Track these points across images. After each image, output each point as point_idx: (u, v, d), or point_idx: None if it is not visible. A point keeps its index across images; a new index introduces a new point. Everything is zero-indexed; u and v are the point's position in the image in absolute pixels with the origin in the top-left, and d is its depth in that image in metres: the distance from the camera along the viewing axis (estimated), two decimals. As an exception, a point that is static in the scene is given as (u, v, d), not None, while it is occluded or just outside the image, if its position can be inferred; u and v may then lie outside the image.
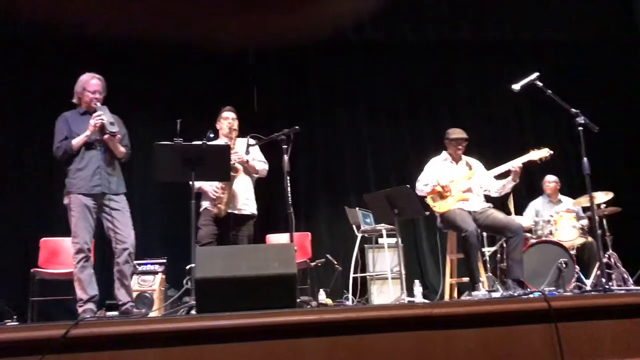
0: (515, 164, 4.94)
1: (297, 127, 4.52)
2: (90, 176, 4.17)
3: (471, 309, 2.73)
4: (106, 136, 4.21)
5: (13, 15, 6.48)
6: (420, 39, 7.50)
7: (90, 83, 4.30)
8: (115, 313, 4.10)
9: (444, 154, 5.27)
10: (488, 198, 5.21)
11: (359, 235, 6.30)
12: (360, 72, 7.68)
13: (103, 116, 4.16)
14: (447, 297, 5.24)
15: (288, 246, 3.64)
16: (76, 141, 4.18)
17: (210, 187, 4.62)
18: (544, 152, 4.94)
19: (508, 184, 5.05)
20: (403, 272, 5.09)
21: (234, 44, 7.22)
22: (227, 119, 4.81)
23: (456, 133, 5.20)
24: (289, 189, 4.41)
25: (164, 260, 5.67)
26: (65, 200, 4.21)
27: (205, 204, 4.69)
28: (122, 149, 4.33)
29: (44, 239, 5.72)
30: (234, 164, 4.55)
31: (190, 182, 4.02)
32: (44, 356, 2.21)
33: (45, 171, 6.54)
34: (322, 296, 5.78)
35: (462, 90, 7.85)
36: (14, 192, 6.71)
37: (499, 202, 5.50)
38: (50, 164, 6.06)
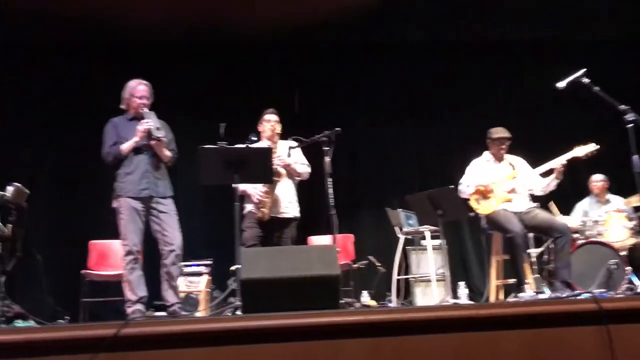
0: (560, 161, 4.83)
1: (338, 128, 4.53)
2: (139, 180, 4.27)
3: (518, 310, 2.69)
4: (153, 142, 4.31)
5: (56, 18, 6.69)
6: (466, 37, 7.44)
7: (138, 89, 4.41)
8: (163, 313, 4.19)
9: (486, 154, 5.19)
10: (534, 197, 5.11)
11: (402, 237, 6.26)
12: (402, 72, 7.63)
13: (150, 122, 4.26)
14: (492, 299, 5.16)
15: (331, 247, 3.67)
16: (125, 146, 4.29)
17: (254, 190, 4.67)
18: (590, 147, 4.82)
19: (552, 182, 4.94)
20: (447, 274, 5.04)
21: (275, 46, 7.30)
22: (270, 122, 4.84)
23: (499, 132, 5.11)
24: (330, 190, 4.43)
25: (210, 262, 5.75)
26: (114, 204, 4.32)
27: (249, 207, 4.74)
28: (168, 153, 4.42)
29: (93, 241, 5.88)
30: (276, 168, 4.59)
31: (234, 185, 4.07)
32: (97, 354, 2.28)
33: (93, 175, 6.72)
34: (365, 298, 5.78)
35: (509, 88, 7.72)
36: (64, 196, 6.91)
37: (545, 203, 5.40)
38: (99, 168, 6.23)
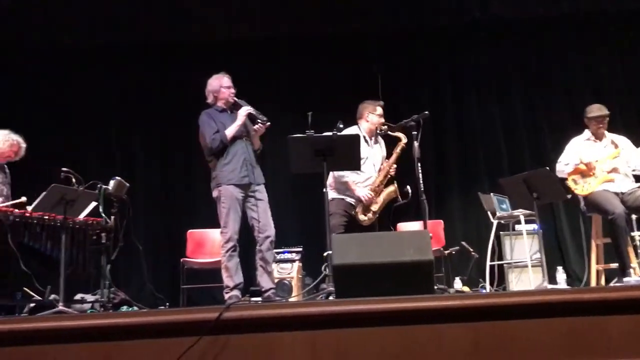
0: None
1: (426, 112, 4.46)
2: (239, 168, 4.41)
3: (626, 294, 2.55)
4: (257, 126, 4.44)
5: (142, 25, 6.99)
6: (550, 12, 7.09)
7: (224, 80, 4.59)
8: (259, 299, 4.30)
9: (586, 132, 4.96)
10: (637, 177, 4.84)
11: (495, 222, 6.10)
12: (489, 51, 7.39)
13: (250, 107, 4.42)
14: (593, 284, 4.95)
15: (423, 233, 3.63)
16: (229, 131, 4.43)
17: (362, 190, 4.64)
18: None
19: None
20: (544, 259, 4.86)
21: (357, 33, 7.27)
22: (382, 116, 4.81)
23: (595, 110, 4.88)
24: (420, 175, 4.37)
25: (300, 249, 5.85)
26: (215, 193, 4.47)
27: (334, 195, 4.71)
28: (259, 142, 4.60)
29: (190, 231, 6.12)
30: (394, 174, 4.66)
31: (337, 174, 4.16)
32: (201, 337, 2.37)
33: (188, 167, 6.99)
34: (457, 284, 5.68)
35: (601, 64, 7.30)
36: (162, 188, 7.22)
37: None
38: (193, 160, 6.46)
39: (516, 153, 7.17)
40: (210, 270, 5.73)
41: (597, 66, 7.29)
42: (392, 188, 4.71)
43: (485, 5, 7.07)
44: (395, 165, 4.72)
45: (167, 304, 5.26)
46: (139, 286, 6.42)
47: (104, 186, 4.58)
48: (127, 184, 4.80)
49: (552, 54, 7.35)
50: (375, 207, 4.68)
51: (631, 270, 4.43)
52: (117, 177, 4.70)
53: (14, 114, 6.84)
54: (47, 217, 4.49)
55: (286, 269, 5.62)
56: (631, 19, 7.11)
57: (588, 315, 2.51)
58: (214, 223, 4.69)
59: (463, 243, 6.01)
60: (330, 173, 4.52)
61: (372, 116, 4.79)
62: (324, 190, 4.13)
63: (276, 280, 5.35)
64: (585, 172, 4.74)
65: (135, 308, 4.73)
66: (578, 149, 4.89)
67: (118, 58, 7.32)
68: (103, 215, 4.68)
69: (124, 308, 4.83)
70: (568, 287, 5.34)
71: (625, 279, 4.25)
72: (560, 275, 5.47)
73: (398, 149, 4.71)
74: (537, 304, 2.53)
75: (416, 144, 4.37)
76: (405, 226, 6.18)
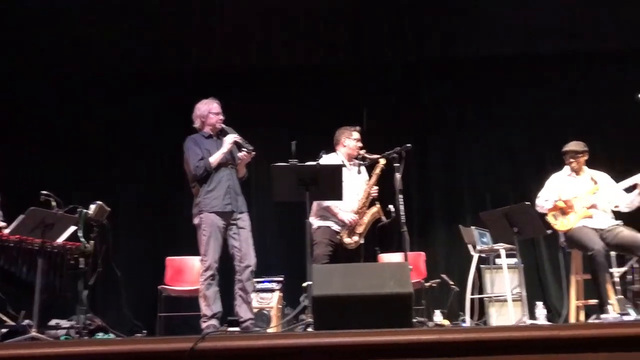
0: None
1: (408, 144, 4.49)
2: (223, 195, 4.39)
3: (602, 331, 2.57)
4: (242, 154, 4.45)
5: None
6: (533, 51, 7.23)
7: (214, 106, 4.58)
8: (237, 329, 4.24)
9: (566, 168, 5.02)
10: (618, 215, 4.88)
11: (475, 255, 6.11)
12: (473, 86, 7.49)
13: (236, 135, 4.42)
14: (572, 320, 4.95)
15: (403, 265, 3.63)
16: (214, 159, 4.42)
17: (347, 215, 4.63)
18: None
19: (636, 198, 4.71)
20: (524, 293, 4.86)
21: (341, 65, 7.36)
22: (359, 141, 4.83)
23: (570, 145, 4.97)
24: (402, 207, 4.39)
25: (281, 279, 5.79)
26: (196, 220, 4.43)
27: (319, 223, 4.71)
28: (244, 170, 4.59)
29: (169, 258, 6.05)
30: (375, 196, 4.66)
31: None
32: (175, 367, 2.33)
33: (168, 194, 6.94)
34: (437, 317, 5.65)
35: (585, 101, 7.40)
36: (143, 213, 7.15)
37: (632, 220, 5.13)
38: (174, 187, 6.43)
39: (499, 187, 7.22)
40: (189, 299, 5.66)
41: (582, 103, 7.40)
42: (375, 209, 4.73)
43: (470, 42, 7.19)
44: (376, 187, 4.73)
45: (145, 331, 5.17)
46: (117, 313, 6.32)
47: (84, 210, 4.54)
48: (108, 209, 4.76)
49: (536, 90, 7.46)
50: (360, 229, 4.68)
51: (609, 307, 4.44)
52: (98, 202, 4.66)
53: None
54: (24, 241, 4.43)
55: (266, 298, 5.56)
56: (609, 58, 7.26)
57: (566, 352, 2.51)
58: (195, 250, 4.65)
59: (443, 276, 6.00)
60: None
61: (349, 141, 4.83)
62: (307, 220, 4.13)
63: (255, 310, 5.29)
64: (565, 208, 4.79)
65: (112, 335, 4.64)
66: (558, 185, 4.94)
67: (105, 83, 7.32)
68: (82, 239, 4.63)
69: (100, 335, 4.74)
70: (548, 322, 5.34)
71: (603, 316, 4.26)
72: (540, 310, 5.46)
73: (377, 170, 4.74)
74: (516, 340, 2.52)
75: (398, 175, 4.39)
76: (386, 257, 6.17)
